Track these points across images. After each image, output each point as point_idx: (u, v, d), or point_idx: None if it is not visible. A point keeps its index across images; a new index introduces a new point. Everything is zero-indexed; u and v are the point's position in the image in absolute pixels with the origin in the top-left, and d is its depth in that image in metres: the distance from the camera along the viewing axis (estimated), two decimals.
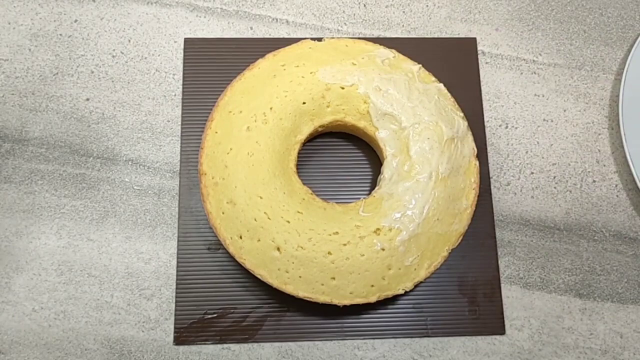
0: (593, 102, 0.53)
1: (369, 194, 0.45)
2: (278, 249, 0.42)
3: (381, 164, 0.46)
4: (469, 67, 0.52)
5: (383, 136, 0.45)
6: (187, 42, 0.52)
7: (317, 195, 0.44)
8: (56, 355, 0.45)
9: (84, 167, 0.49)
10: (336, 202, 0.45)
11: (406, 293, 0.44)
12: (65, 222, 0.47)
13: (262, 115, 0.44)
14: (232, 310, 0.46)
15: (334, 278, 0.42)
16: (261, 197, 0.42)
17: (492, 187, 0.50)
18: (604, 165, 0.52)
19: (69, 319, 0.46)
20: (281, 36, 0.53)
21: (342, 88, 0.45)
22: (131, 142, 0.50)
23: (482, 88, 0.52)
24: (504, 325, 0.47)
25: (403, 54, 0.47)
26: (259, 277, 0.42)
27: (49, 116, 0.50)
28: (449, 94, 0.47)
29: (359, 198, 0.46)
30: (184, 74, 0.51)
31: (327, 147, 0.50)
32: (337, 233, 0.42)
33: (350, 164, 0.50)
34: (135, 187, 0.49)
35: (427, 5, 0.55)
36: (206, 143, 0.44)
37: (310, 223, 0.42)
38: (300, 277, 0.42)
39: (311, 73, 0.45)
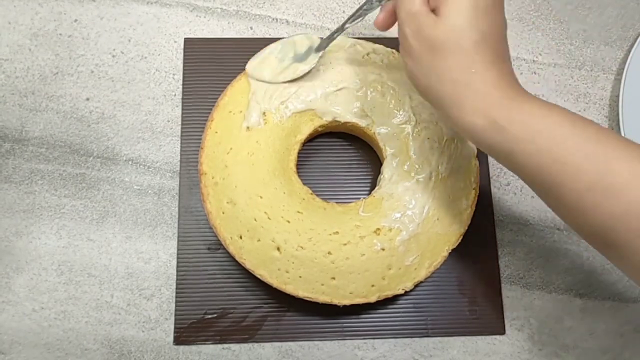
0: (593, 102, 0.53)
1: (369, 194, 0.45)
2: (278, 248, 0.42)
3: (381, 164, 0.46)
4: None
5: (383, 136, 0.45)
6: (187, 42, 0.52)
7: (317, 195, 0.44)
8: (56, 355, 0.45)
9: (84, 167, 0.49)
10: (336, 202, 0.45)
11: (406, 293, 0.44)
12: (65, 222, 0.47)
13: (262, 115, 0.44)
14: (232, 310, 0.46)
15: (334, 278, 0.42)
16: (261, 197, 0.42)
17: (492, 187, 0.50)
18: None
19: (69, 319, 0.46)
20: (281, 36, 0.53)
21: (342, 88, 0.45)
22: (131, 142, 0.50)
23: None
24: (504, 325, 0.47)
25: None
26: (259, 277, 0.42)
27: (49, 116, 0.50)
28: None
29: (359, 198, 0.46)
30: (184, 74, 0.51)
31: (327, 147, 0.50)
32: (337, 233, 0.42)
33: (350, 164, 0.50)
34: (135, 187, 0.49)
35: None
36: (206, 143, 0.44)
37: (310, 223, 0.42)
38: (300, 277, 0.42)
39: None
